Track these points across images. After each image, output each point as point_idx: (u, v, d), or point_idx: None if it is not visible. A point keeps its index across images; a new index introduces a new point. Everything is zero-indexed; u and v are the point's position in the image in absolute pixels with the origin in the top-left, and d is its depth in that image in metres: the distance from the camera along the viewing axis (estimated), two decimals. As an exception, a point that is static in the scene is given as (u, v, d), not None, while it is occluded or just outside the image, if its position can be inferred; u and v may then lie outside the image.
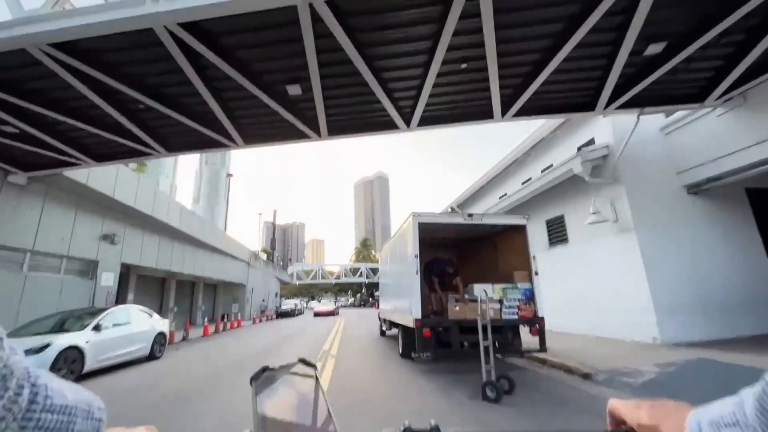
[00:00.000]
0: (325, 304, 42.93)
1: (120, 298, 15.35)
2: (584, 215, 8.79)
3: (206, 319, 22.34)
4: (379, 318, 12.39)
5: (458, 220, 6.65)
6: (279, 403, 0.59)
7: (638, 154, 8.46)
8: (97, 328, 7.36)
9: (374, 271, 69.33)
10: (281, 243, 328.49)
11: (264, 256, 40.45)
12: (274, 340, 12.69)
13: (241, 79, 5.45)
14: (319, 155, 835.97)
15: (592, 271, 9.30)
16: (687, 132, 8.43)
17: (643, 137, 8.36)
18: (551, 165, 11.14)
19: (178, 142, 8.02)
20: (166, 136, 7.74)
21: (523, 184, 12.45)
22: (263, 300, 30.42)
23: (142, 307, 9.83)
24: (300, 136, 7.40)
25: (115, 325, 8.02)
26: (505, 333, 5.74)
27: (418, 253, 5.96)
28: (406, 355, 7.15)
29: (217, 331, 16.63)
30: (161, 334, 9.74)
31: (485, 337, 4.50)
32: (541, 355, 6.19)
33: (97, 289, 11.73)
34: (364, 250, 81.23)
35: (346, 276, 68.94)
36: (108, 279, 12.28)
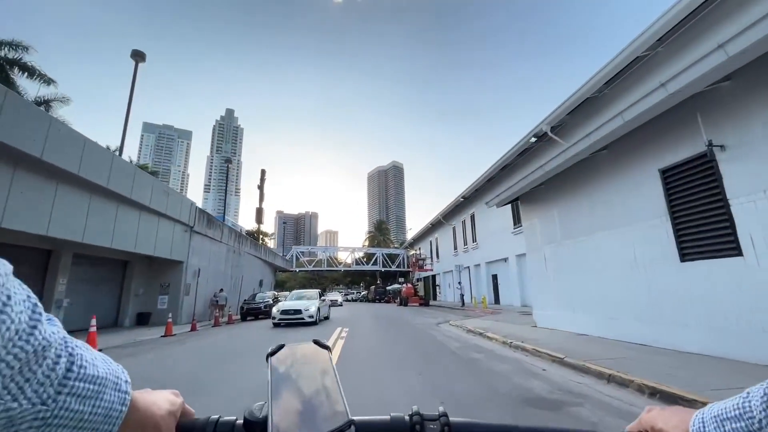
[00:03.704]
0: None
1: None
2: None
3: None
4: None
5: None
6: (293, 379, 0.61)
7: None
8: None
9: (391, 258, 57.72)
10: (293, 233, 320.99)
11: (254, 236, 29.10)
12: None
13: None
14: (334, 145, 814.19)
15: None
16: None
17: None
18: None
19: None
20: None
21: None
22: (220, 290, 18.99)
23: None
24: None
25: None
26: None
27: None
28: None
29: None
30: None
31: None
32: None
33: None
34: (380, 234, 69.42)
35: (358, 264, 57.47)
36: None
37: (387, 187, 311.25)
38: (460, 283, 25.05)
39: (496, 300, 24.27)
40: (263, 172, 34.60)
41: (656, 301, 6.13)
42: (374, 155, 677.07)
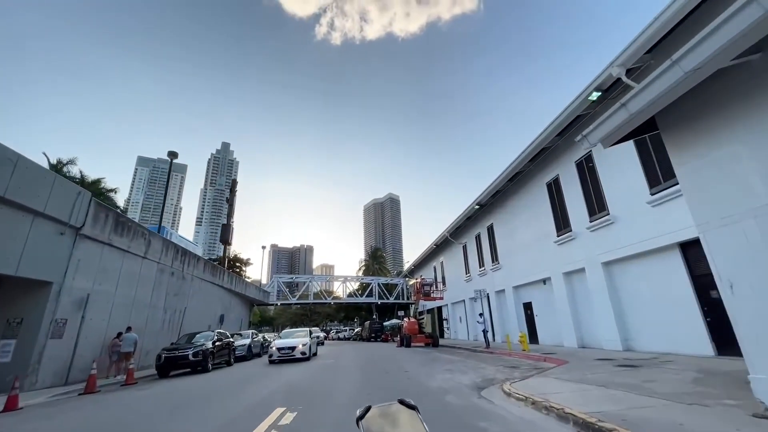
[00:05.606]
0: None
1: None
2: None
3: None
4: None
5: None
6: None
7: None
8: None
9: (389, 289, 50.65)
10: (287, 268, 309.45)
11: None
12: None
13: None
14: (330, 177, 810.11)
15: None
16: None
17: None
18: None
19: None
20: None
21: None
22: (127, 329, 12.54)
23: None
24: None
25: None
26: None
27: None
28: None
29: None
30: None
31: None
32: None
33: None
34: (375, 263, 62.62)
35: (350, 297, 50.36)
36: None
37: (383, 219, 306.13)
38: (481, 314, 18.61)
39: (532, 338, 17.81)
40: (234, 182, 28.66)
41: None
42: (370, 187, 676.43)
